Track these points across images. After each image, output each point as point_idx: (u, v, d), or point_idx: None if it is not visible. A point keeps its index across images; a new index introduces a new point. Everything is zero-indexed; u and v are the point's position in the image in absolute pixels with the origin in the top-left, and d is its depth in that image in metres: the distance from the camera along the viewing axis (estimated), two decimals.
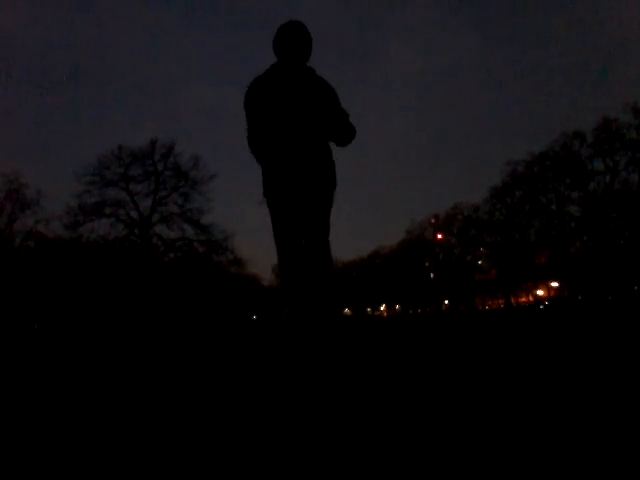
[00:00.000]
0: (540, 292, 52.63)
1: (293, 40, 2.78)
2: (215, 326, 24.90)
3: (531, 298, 54.60)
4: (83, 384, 2.70)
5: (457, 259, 54.47)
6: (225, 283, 42.62)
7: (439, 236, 55.60)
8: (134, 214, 35.67)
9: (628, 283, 36.58)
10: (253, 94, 2.78)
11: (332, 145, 2.96)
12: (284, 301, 3.00)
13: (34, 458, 1.21)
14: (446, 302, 60.79)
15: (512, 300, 51.96)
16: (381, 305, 79.88)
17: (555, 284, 47.46)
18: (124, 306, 33.34)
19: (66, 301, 35.08)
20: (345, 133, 2.87)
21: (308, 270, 2.90)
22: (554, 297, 47.08)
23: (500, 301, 56.05)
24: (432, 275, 56.51)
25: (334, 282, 3.10)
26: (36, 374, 3.29)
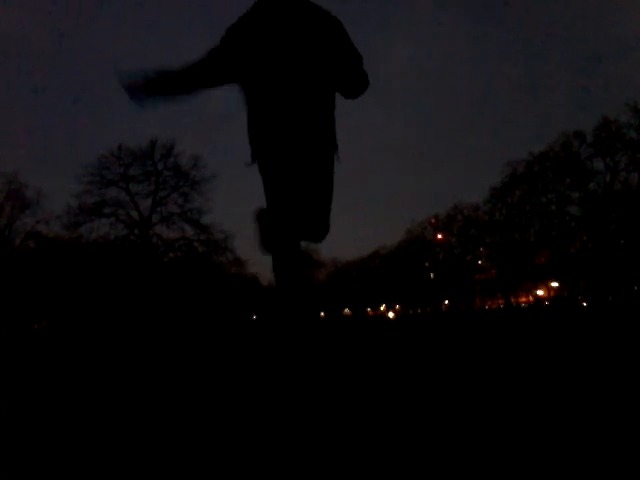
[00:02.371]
0: (540, 292, 52.58)
1: None
2: (215, 326, 24.88)
3: (531, 298, 54.55)
4: (84, 384, 2.70)
5: (457, 259, 54.42)
6: (225, 283, 42.59)
7: (439, 236, 55.57)
8: (134, 214, 35.67)
9: (628, 283, 36.55)
10: (239, 32, 2.21)
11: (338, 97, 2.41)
12: (276, 290, 2.62)
13: (36, 458, 1.21)
14: (446, 302, 60.74)
15: (512, 300, 51.90)
16: (381, 305, 79.83)
17: (555, 284, 47.42)
18: (124, 306, 33.32)
19: (66, 301, 35.05)
20: (356, 80, 2.30)
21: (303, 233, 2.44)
22: (554, 297, 47.06)
23: (500, 301, 56.00)
24: (432, 275, 56.47)
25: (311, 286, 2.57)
26: (38, 374, 3.29)
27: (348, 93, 2.36)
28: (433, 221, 57.75)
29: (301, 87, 2.18)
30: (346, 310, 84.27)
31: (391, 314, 69.13)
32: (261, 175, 2.35)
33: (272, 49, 2.16)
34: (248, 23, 2.21)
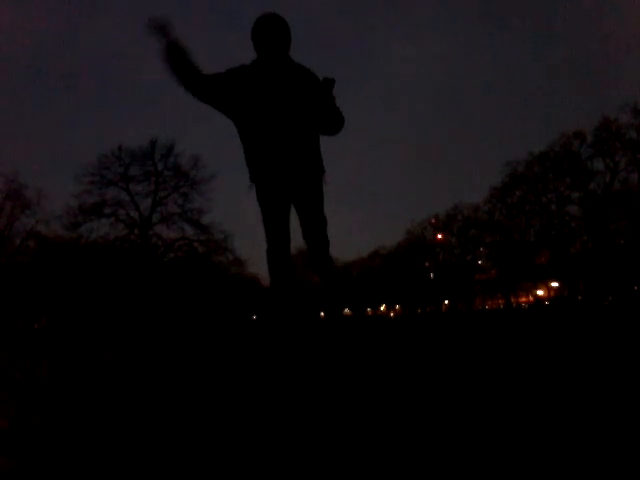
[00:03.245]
0: (540, 292, 52.60)
1: (272, 34, 2.67)
2: (215, 326, 24.88)
3: (531, 298, 54.57)
4: (85, 384, 2.70)
5: (457, 259, 54.45)
6: (225, 283, 42.61)
7: (439, 236, 55.60)
8: (134, 214, 35.69)
9: (628, 283, 36.56)
10: (236, 75, 2.72)
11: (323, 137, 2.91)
12: (270, 294, 2.96)
13: (38, 458, 1.21)
14: (446, 302, 60.76)
15: (512, 300, 51.91)
16: (381, 305, 79.84)
17: (555, 284, 47.44)
18: (124, 306, 33.33)
19: (66, 301, 35.07)
20: (332, 126, 2.81)
21: (310, 263, 2.93)
22: (554, 297, 47.08)
23: (500, 301, 56.01)
24: (432, 275, 56.49)
25: (339, 277, 3.12)
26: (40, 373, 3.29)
27: (327, 132, 2.85)
28: (433, 221, 57.79)
29: (288, 124, 2.67)
30: (346, 310, 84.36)
31: (391, 314, 69.13)
32: (257, 196, 2.79)
33: (266, 95, 2.66)
34: (246, 73, 2.72)
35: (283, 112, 2.67)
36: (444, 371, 2.35)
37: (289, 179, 2.73)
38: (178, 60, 2.61)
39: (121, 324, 31.31)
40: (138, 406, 1.87)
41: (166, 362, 3.92)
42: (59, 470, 1.10)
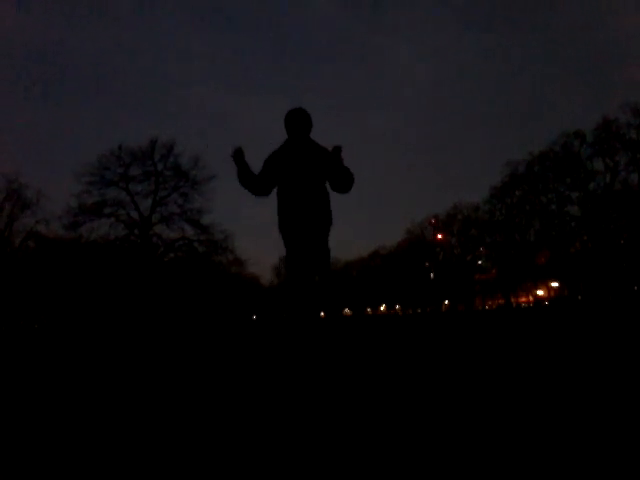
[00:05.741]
0: (540, 292, 52.58)
1: (298, 122, 3.76)
2: (215, 326, 24.87)
3: (531, 298, 54.56)
4: (86, 384, 2.70)
5: (457, 259, 54.44)
6: (225, 283, 42.60)
7: (439, 236, 55.58)
8: (134, 214, 35.63)
9: (628, 283, 36.54)
10: (272, 161, 3.75)
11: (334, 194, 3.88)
12: (286, 306, 3.76)
13: (37, 457, 1.21)
14: (446, 302, 60.75)
15: (512, 300, 51.90)
16: (381, 305, 79.84)
17: (555, 284, 47.42)
18: (124, 306, 33.32)
19: (66, 301, 35.06)
20: (343, 185, 3.76)
21: (313, 287, 3.73)
22: (554, 297, 47.07)
23: (500, 301, 56.00)
24: (432, 275, 56.48)
25: (335, 284, 3.95)
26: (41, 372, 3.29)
27: (339, 191, 3.80)
28: (433, 221, 57.78)
29: (308, 188, 3.68)
30: (346, 310, 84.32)
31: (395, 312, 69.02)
32: (283, 239, 3.76)
33: (295, 168, 3.69)
34: (279, 155, 3.77)
35: (306, 178, 3.69)
36: (445, 371, 2.36)
37: (308, 229, 3.67)
38: (244, 173, 3.69)
39: (121, 324, 31.30)
40: (138, 406, 1.87)
41: (166, 362, 3.92)
42: (59, 470, 1.11)
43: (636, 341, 3.50)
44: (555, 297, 47.04)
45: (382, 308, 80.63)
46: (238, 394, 2.01)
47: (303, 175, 3.71)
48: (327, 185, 3.81)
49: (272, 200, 3.83)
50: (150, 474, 1.04)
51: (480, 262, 53.17)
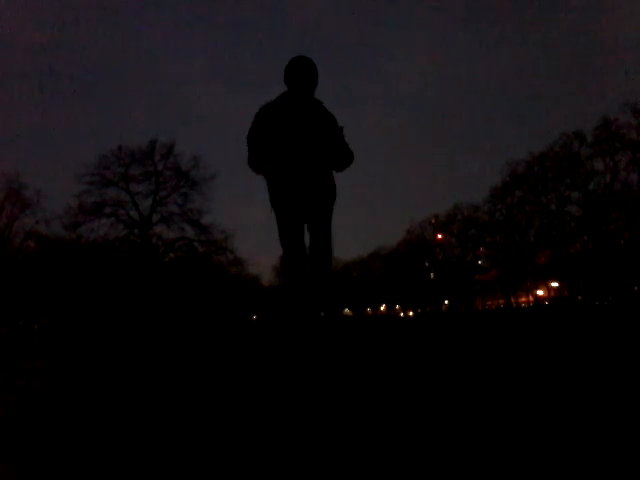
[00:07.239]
0: (540, 292, 52.55)
1: (302, 73, 3.15)
2: (215, 326, 24.88)
3: (531, 298, 54.53)
4: (86, 383, 2.70)
5: (457, 259, 54.43)
6: (225, 283, 42.59)
7: (439, 236, 55.58)
8: (134, 214, 35.61)
9: (628, 283, 36.54)
10: (262, 117, 3.18)
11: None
12: (283, 299, 3.31)
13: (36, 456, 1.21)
14: (446, 302, 60.73)
15: (512, 300, 51.88)
16: (381, 305, 79.82)
17: (555, 284, 47.40)
18: (124, 306, 33.31)
19: (66, 301, 35.05)
20: (342, 161, 3.29)
21: (310, 270, 3.22)
22: (554, 297, 47.05)
23: (500, 301, 55.97)
24: (432, 275, 56.48)
25: (334, 282, 3.48)
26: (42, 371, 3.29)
27: (336, 168, 3.30)
28: (433, 221, 57.78)
29: (309, 154, 3.09)
30: (346, 310, 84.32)
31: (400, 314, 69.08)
32: (276, 218, 3.17)
33: (291, 129, 3.09)
34: (275, 109, 3.15)
35: (305, 144, 3.10)
36: (446, 371, 2.36)
37: (307, 200, 3.12)
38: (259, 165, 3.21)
39: (121, 324, 31.30)
40: (138, 406, 1.87)
41: (166, 362, 3.92)
42: (59, 470, 1.11)
43: (636, 341, 3.50)
44: (555, 297, 47.02)
45: (382, 308, 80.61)
46: (238, 394, 2.00)
47: (305, 136, 3.09)
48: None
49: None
50: (150, 474, 1.04)
51: (480, 262, 53.16)
